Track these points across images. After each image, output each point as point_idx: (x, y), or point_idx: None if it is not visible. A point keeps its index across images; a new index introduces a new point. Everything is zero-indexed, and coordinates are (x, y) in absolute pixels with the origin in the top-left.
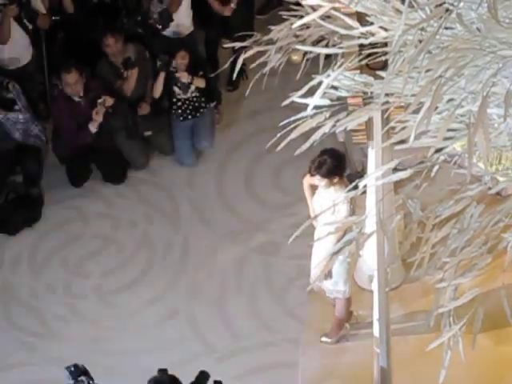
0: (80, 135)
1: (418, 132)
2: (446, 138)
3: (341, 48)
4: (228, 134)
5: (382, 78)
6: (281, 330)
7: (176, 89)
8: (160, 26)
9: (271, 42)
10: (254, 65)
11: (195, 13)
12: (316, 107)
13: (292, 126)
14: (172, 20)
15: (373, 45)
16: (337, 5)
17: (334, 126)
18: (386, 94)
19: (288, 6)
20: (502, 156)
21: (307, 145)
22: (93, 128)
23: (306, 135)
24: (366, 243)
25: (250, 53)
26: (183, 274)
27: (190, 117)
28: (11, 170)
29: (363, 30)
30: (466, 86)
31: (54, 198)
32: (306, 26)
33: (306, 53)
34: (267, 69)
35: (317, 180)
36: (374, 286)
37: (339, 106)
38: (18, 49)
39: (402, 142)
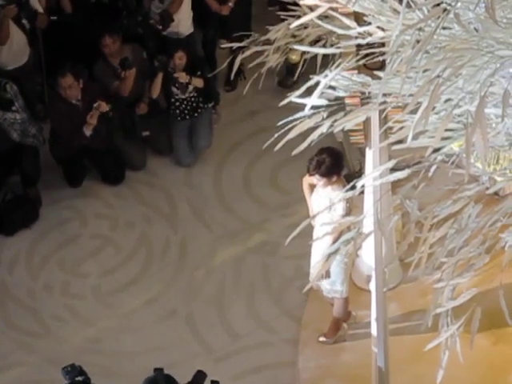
0: (76, 137)
1: (416, 132)
2: (443, 138)
3: (338, 48)
4: (226, 133)
5: (380, 78)
6: (279, 329)
7: (174, 89)
8: (160, 27)
9: (269, 42)
10: (251, 65)
11: (193, 13)
12: (314, 107)
13: (290, 125)
14: (173, 20)
15: (370, 45)
16: (334, 5)
17: (331, 125)
18: (384, 94)
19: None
20: (499, 156)
21: (305, 145)
22: (87, 131)
23: (304, 135)
24: (363, 243)
25: (247, 53)
26: (181, 274)
27: (188, 117)
28: (9, 170)
29: (361, 30)
30: (463, 86)
31: (51, 199)
32: (304, 26)
33: (303, 53)
34: (265, 69)
35: (315, 179)
36: (372, 286)
37: (337, 106)
38: (16, 49)
39: (400, 142)
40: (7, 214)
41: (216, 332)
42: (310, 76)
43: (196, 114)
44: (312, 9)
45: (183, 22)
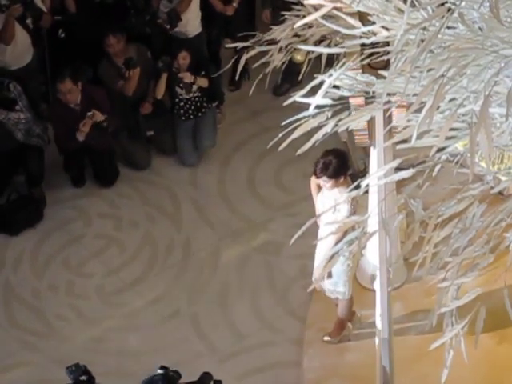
0: (70, 141)
1: (420, 131)
2: (448, 138)
3: (343, 48)
4: (230, 133)
5: (384, 77)
6: (283, 329)
7: (178, 89)
8: (168, 26)
9: (273, 42)
10: (256, 65)
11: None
12: (318, 107)
13: (294, 125)
14: (180, 20)
15: (375, 44)
16: (339, 4)
17: (336, 125)
18: (388, 94)
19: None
20: (504, 155)
21: (309, 144)
22: (80, 137)
23: (308, 135)
24: (368, 243)
25: (252, 53)
26: (185, 273)
27: (192, 117)
28: (13, 170)
29: (365, 29)
30: (468, 85)
31: (56, 198)
32: (308, 26)
33: (308, 52)
34: (270, 69)
35: (323, 181)
36: (377, 286)
37: (341, 106)
38: (20, 49)
39: (404, 141)
40: (12, 214)
41: (220, 332)
42: (315, 75)
43: (200, 114)
44: (316, 8)
45: (191, 22)
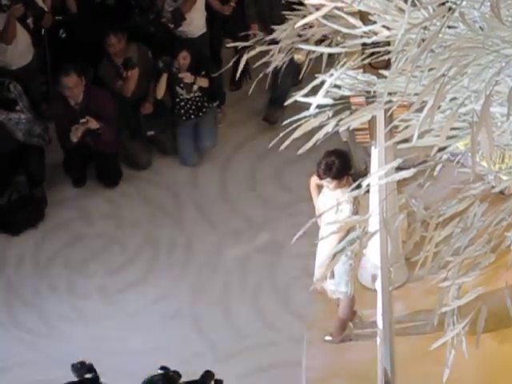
0: (66, 139)
1: (421, 131)
2: (449, 137)
3: (344, 47)
4: (231, 133)
5: (385, 76)
6: (284, 329)
7: (179, 89)
8: (172, 25)
9: (274, 42)
10: (257, 64)
11: None
12: (319, 106)
13: (295, 125)
14: (185, 19)
15: (376, 44)
16: (340, 4)
17: (337, 125)
18: (389, 93)
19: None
20: (505, 155)
21: (310, 144)
22: (74, 138)
23: (309, 134)
24: (369, 242)
25: (252, 52)
26: (186, 273)
27: (192, 116)
28: (14, 170)
29: (366, 29)
30: (469, 84)
31: (57, 198)
32: (309, 26)
33: (309, 52)
34: (270, 68)
35: (326, 182)
36: (378, 285)
37: (342, 105)
38: (21, 48)
39: (405, 140)
40: (13, 214)
41: (221, 331)
42: (316, 75)
43: (201, 114)
44: (317, 8)
45: (196, 22)
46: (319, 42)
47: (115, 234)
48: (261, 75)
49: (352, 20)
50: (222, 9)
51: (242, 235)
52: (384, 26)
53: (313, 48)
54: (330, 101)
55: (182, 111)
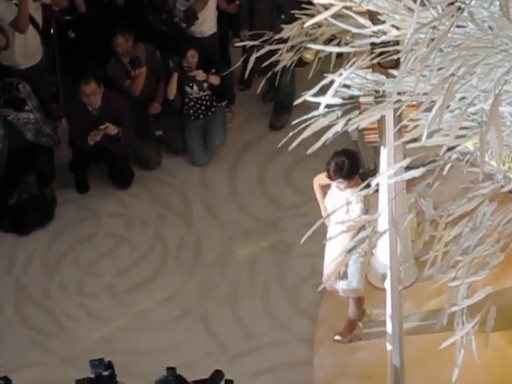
0: (82, 142)
1: (431, 130)
2: (458, 137)
3: (353, 47)
4: (240, 133)
5: (394, 76)
6: (293, 328)
7: (188, 88)
8: (185, 25)
9: (283, 41)
10: (265, 64)
11: None
12: (328, 106)
13: (304, 124)
14: (197, 18)
15: (385, 43)
16: (348, 3)
17: (346, 124)
18: (398, 93)
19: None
20: None
21: (319, 144)
22: (91, 141)
23: (319, 134)
24: (378, 242)
25: (261, 52)
26: (196, 273)
27: (201, 116)
28: (24, 169)
29: (375, 28)
30: (477, 84)
31: (66, 198)
32: (318, 25)
33: (317, 52)
34: (279, 68)
35: (336, 182)
36: (387, 285)
37: (351, 105)
38: (30, 48)
39: (415, 140)
40: (22, 214)
41: (231, 331)
42: (325, 75)
43: (210, 114)
44: (326, 7)
45: (208, 21)
46: (328, 42)
47: (124, 234)
48: (269, 74)
49: (361, 19)
50: (227, 8)
51: (252, 234)
52: (393, 26)
53: (322, 47)
54: (339, 100)
55: (191, 111)
